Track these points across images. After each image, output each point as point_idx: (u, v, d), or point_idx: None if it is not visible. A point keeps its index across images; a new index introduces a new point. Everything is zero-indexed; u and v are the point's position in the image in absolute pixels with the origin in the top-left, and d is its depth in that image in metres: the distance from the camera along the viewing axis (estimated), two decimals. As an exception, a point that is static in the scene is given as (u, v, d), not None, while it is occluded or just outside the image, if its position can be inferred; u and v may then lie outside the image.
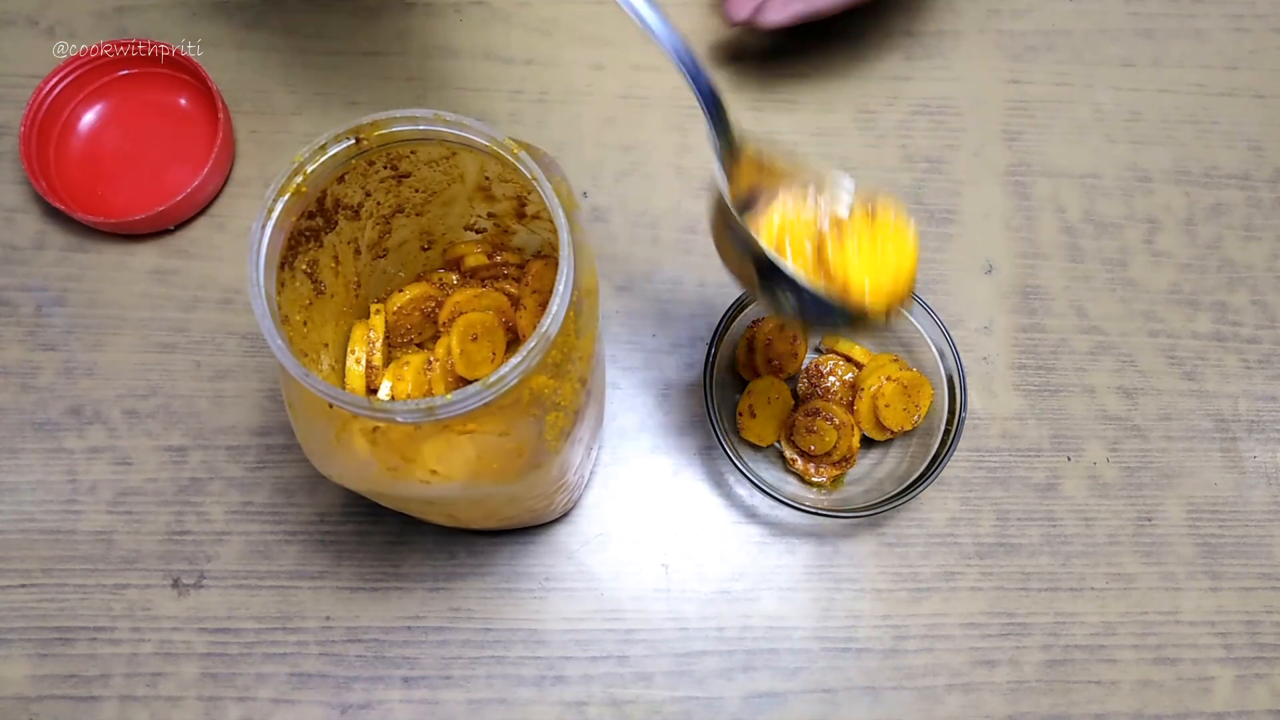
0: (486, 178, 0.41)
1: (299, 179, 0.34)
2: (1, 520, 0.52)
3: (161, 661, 0.50)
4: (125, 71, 0.57)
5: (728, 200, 0.39)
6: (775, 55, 0.61)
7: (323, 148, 0.35)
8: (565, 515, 0.53)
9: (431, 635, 0.51)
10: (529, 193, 0.37)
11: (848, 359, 0.54)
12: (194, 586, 0.51)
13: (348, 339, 0.43)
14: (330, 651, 0.51)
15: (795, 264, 0.40)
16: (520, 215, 0.43)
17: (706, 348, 0.51)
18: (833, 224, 0.41)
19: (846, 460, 0.53)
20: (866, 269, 0.39)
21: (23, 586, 0.51)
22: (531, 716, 0.50)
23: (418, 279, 0.46)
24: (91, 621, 0.50)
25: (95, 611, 0.51)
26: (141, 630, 0.50)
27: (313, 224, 0.37)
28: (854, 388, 0.53)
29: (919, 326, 0.53)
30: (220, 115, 0.55)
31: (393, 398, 0.43)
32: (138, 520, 0.52)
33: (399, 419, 0.31)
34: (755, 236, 0.39)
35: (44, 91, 0.55)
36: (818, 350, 0.56)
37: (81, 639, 0.50)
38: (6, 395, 0.53)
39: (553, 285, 0.33)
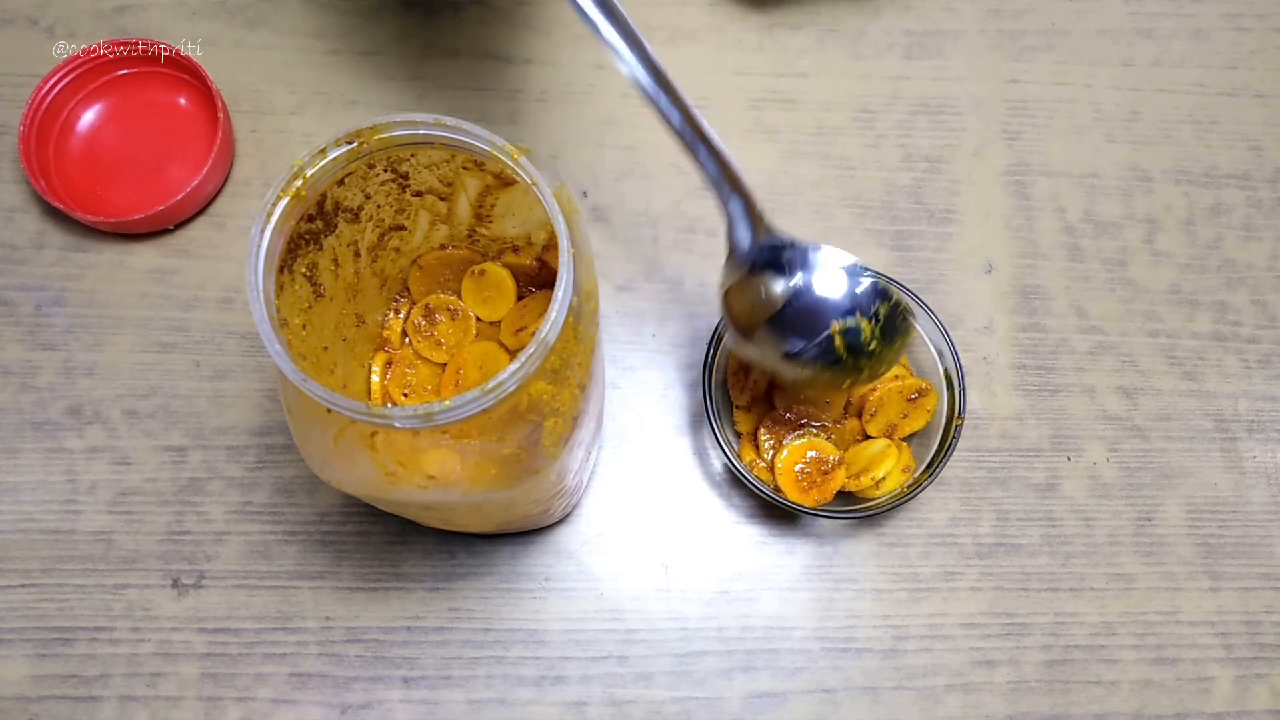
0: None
1: (298, 183, 0.34)
2: (1, 520, 0.52)
3: (161, 661, 0.50)
4: (125, 71, 0.57)
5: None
6: (775, 55, 0.61)
7: (322, 151, 0.35)
8: (564, 518, 0.53)
9: (431, 635, 0.51)
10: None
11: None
12: (194, 586, 0.51)
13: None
14: (330, 652, 0.51)
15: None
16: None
17: (706, 348, 0.51)
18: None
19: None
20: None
21: (22, 586, 0.51)
22: (531, 716, 0.50)
23: None
24: (91, 621, 0.50)
25: (95, 611, 0.51)
26: (141, 630, 0.50)
27: (312, 227, 0.37)
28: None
29: (918, 326, 0.53)
30: (220, 115, 0.55)
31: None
32: (137, 520, 0.52)
33: (397, 424, 0.31)
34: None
35: (44, 91, 0.55)
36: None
37: (81, 639, 0.50)
38: (6, 395, 0.53)
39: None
